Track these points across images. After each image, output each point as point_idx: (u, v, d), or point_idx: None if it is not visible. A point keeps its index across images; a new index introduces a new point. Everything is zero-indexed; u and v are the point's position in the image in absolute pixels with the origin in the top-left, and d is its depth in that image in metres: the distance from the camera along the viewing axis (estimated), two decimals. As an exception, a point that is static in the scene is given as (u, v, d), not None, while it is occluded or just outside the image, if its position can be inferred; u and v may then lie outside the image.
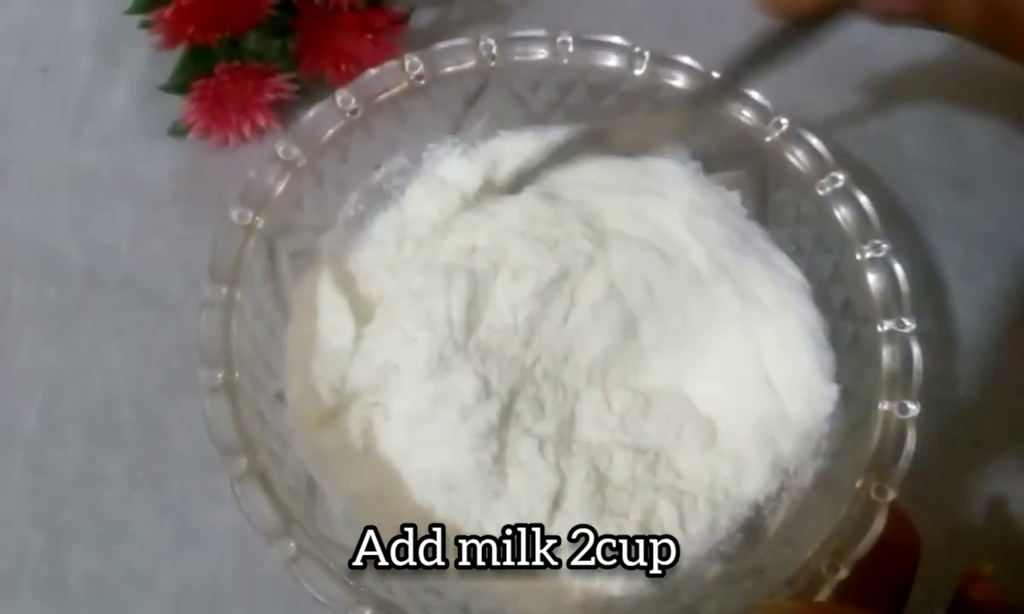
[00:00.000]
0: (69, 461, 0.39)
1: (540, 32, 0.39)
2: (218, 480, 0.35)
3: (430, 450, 0.34)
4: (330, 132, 0.37)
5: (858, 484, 0.32)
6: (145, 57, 0.47)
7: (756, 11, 0.34)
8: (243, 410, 0.31)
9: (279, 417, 0.33)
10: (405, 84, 0.38)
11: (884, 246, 0.36)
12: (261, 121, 0.44)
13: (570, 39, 0.39)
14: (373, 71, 0.38)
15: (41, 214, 0.44)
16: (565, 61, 0.39)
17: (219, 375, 0.32)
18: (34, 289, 0.42)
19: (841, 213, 0.37)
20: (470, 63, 0.39)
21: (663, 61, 0.40)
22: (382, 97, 0.38)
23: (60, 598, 0.36)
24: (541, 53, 0.39)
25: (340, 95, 0.37)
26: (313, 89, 0.44)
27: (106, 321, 0.42)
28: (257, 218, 0.35)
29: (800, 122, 0.39)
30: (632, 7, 0.50)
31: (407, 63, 0.38)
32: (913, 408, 0.33)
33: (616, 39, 0.40)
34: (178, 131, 0.44)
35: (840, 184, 0.37)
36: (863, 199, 0.37)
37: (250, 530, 0.30)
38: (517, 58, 0.39)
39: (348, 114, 0.37)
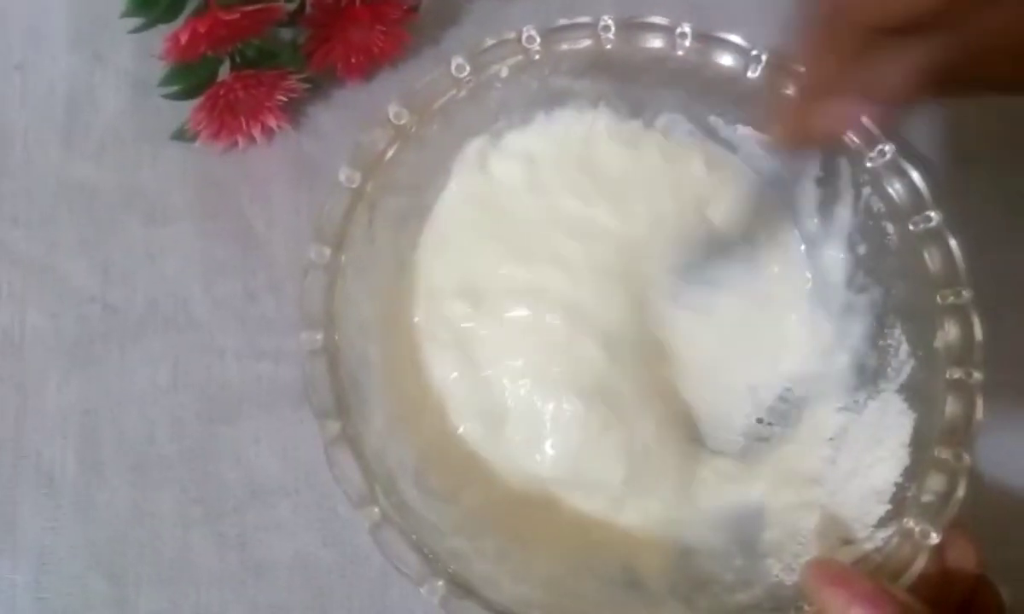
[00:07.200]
0: (118, 500, 0.39)
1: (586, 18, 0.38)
2: (276, 509, 0.37)
3: None
4: (442, 100, 0.37)
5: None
6: (137, 61, 0.45)
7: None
8: (340, 373, 0.33)
9: (372, 382, 0.35)
10: (521, 56, 0.38)
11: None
12: (272, 123, 0.44)
13: (612, 22, 0.38)
14: (490, 41, 0.37)
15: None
16: (608, 47, 0.38)
17: (319, 337, 0.33)
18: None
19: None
20: (587, 42, 0.38)
21: (704, 38, 0.38)
22: (493, 68, 0.38)
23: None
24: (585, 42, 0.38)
25: (455, 62, 0.37)
26: (323, 83, 0.44)
27: (132, 349, 0.41)
28: (366, 181, 0.35)
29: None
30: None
31: (524, 35, 0.38)
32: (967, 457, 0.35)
33: (658, 19, 0.38)
34: (185, 137, 0.43)
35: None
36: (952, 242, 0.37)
37: (317, 555, 0.32)
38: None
39: (463, 81, 0.37)
